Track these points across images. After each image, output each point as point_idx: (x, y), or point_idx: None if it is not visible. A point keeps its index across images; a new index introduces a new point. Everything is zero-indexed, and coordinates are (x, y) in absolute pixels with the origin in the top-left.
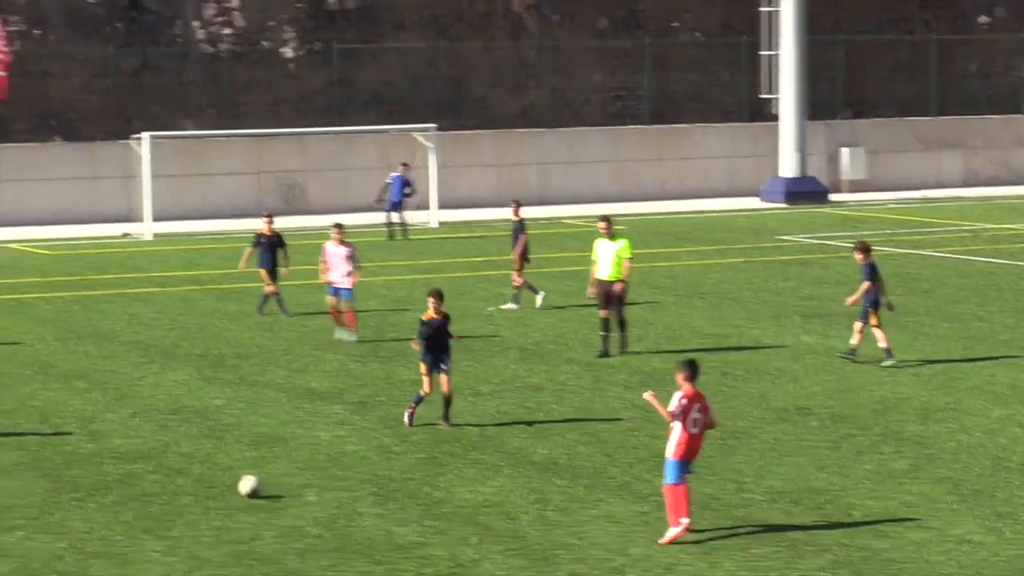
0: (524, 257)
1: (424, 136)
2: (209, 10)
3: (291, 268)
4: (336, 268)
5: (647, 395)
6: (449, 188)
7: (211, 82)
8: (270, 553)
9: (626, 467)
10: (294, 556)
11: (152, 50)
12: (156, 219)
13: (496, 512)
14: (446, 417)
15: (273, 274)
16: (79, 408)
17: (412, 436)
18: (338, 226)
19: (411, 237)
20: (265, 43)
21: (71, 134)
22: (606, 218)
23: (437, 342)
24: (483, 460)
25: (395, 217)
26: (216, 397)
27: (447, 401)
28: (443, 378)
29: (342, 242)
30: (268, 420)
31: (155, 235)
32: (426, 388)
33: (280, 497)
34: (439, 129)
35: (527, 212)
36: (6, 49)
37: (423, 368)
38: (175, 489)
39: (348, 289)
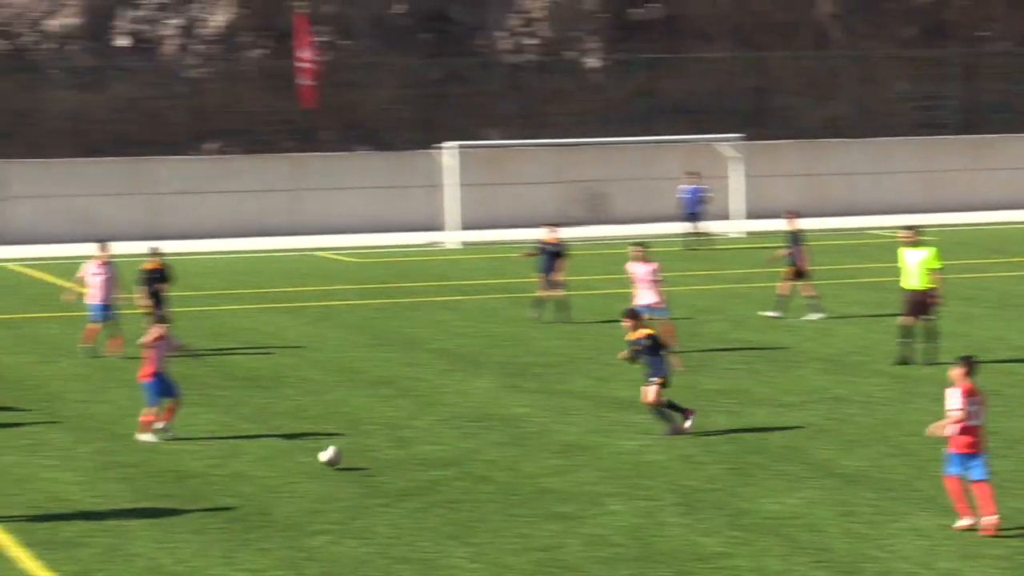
0: (801, 270)
1: (730, 146)
2: (514, 20)
3: (563, 277)
4: (642, 288)
5: (930, 430)
6: (754, 198)
7: (515, 92)
8: (574, 561)
9: (934, 480)
10: (598, 565)
11: (457, 60)
12: (463, 228)
13: (801, 524)
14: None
15: (552, 281)
16: (386, 414)
17: (717, 446)
18: (639, 245)
19: (716, 247)
20: (570, 53)
21: (378, 143)
22: (911, 227)
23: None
24: (789, 471)
25: (693, 228)
26: (521, 405)
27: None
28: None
29: (644, 259)
30: (572, 428)
31: (461, 243)
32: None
33: (584, 506)
34: (744, 139)
35: (832, 223)
36: (315, 59)
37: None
38: (480, 496)
39: (659, 308)
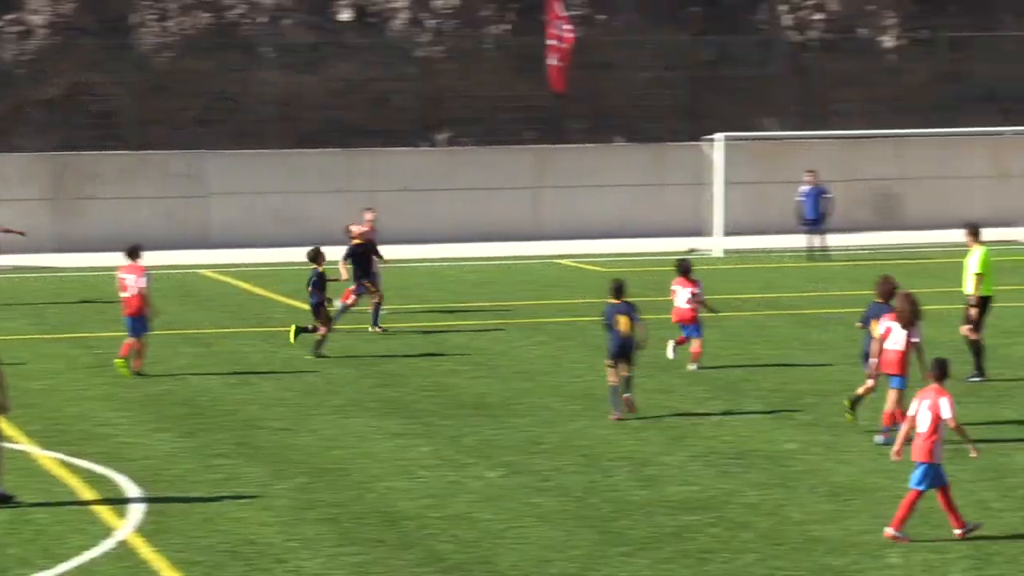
0: None
1: None
2: None
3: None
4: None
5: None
6: None
7: (797, 76)
8: None
9: None
10: None
11: (732, 39)
12: (728, 232)
13: None
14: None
15: None
16: (631, 449)
17: (1015, 491)
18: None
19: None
20: (862, 31)
21: (635, 134)
22: None
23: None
24: None
25: (816, 240)
26: (789, 440)
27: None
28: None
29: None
30: (848, 468)
31: (726, 251)
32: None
33: (858, 558)
34: None
35: None
36: (566, 36)
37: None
38: (738, 546)
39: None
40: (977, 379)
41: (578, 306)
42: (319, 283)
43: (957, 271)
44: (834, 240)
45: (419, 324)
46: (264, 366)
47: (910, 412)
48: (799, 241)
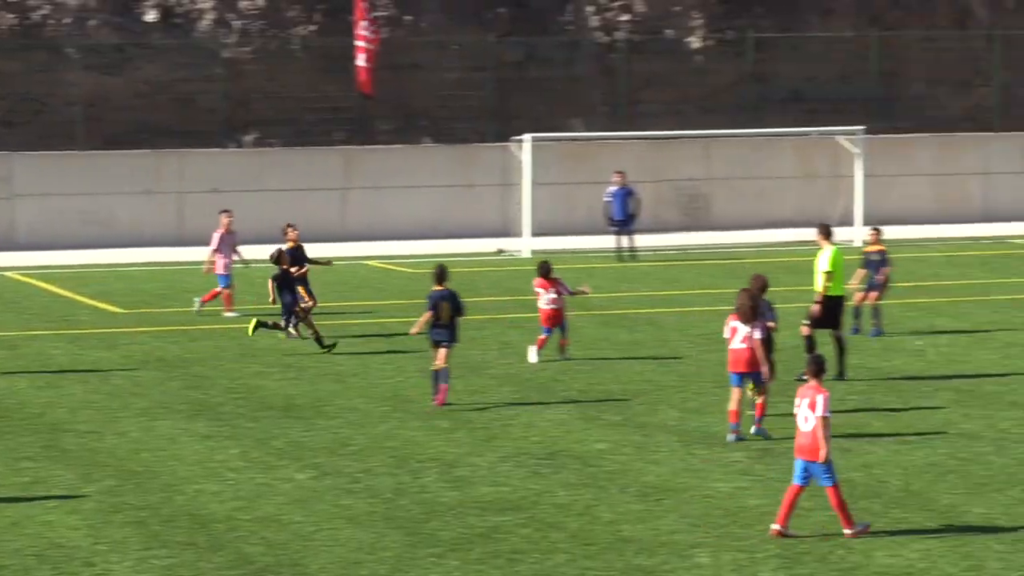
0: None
1: (850, 140)
2: None
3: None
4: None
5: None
6: (877, 200)
7: (605, 77)
8: None
9: None
10: None
11: (539, 40)
12: (536, 234)
13: None
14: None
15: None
16: (441, 450)
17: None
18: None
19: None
20: (668, 32)
21: (443, 135)
22: None
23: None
24: (908, 519)
25: (624, 240)
26: (599, 440)
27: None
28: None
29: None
30: (658, 468)
31: (534, 251)
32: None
33: (668, 558)
34: (868, 132)
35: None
36: (372, 37)
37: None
38: (549, 546)
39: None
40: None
41: (385, 307)
42: (284, 281)
43: (766, 270)
44: (642, 241)
45: (227, 326)
46: (71, 368)
47: (795, 410)
48: (608, 242)
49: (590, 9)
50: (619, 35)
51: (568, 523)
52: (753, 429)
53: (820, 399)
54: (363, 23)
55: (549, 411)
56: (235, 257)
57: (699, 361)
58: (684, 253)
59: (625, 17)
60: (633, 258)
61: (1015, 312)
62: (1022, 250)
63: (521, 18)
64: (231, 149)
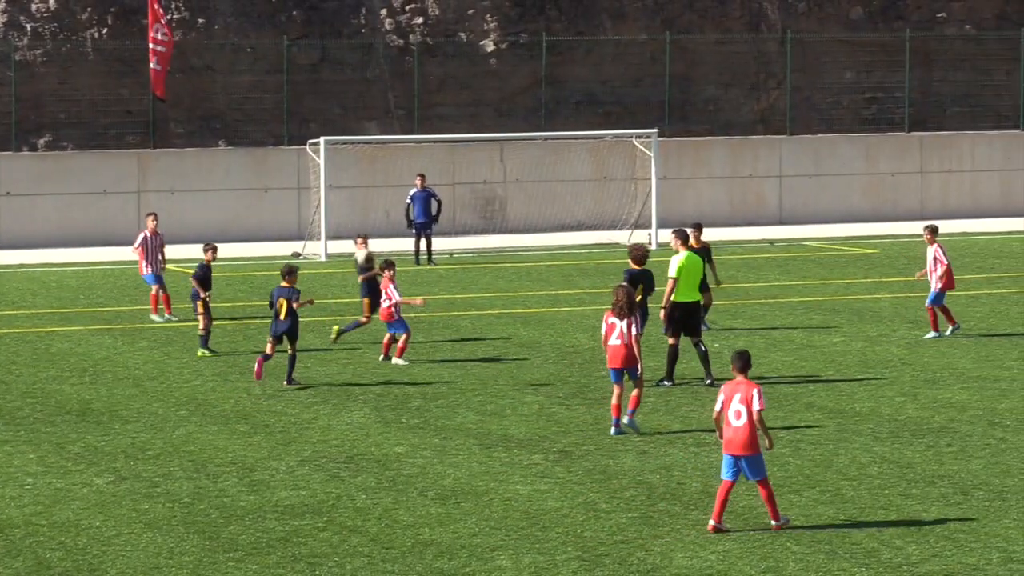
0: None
1: (644, 143)
2: None
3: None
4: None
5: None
6: (672, 203)
7: (399, 80)
8: None
9: (873, 532)
10: None
11: (333, 43)
12: (332, 237)
13: None
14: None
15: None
16: (239, 454)
17: (623, 492)
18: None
19: (437, 263)
20: (462, 35)
21: (237, 138)
22: None
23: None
24: (707, 521)
25: (423, 243)
26: (397, 443)
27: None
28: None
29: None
30: (457, 471)
31: (329, 255)
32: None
33: (468, 561)
34: (662, 135)
35: (762, 232)
36: (165, 40)
37: None
38: (348, 550)
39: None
40: (667, 384)
41: (176, 311)
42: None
43: (561, 273)
44: (439, 243)
45: (21, 330)
46: None
47: (717, 407)
48: (405, 244)
49: (384, 13)
50: (413, 38)
51: (368, 527)
52: (625, 419)
53: (755, 393)
54: (156, 26)
55: (347, 414)
56: (160, 258)
57: (496, 364)
58: (479, 256)
59: (419, 20)
60: (429, 260)
61: (810, 314)
62: (816, 252)
63: (315, 21)
64: (24, 153)
